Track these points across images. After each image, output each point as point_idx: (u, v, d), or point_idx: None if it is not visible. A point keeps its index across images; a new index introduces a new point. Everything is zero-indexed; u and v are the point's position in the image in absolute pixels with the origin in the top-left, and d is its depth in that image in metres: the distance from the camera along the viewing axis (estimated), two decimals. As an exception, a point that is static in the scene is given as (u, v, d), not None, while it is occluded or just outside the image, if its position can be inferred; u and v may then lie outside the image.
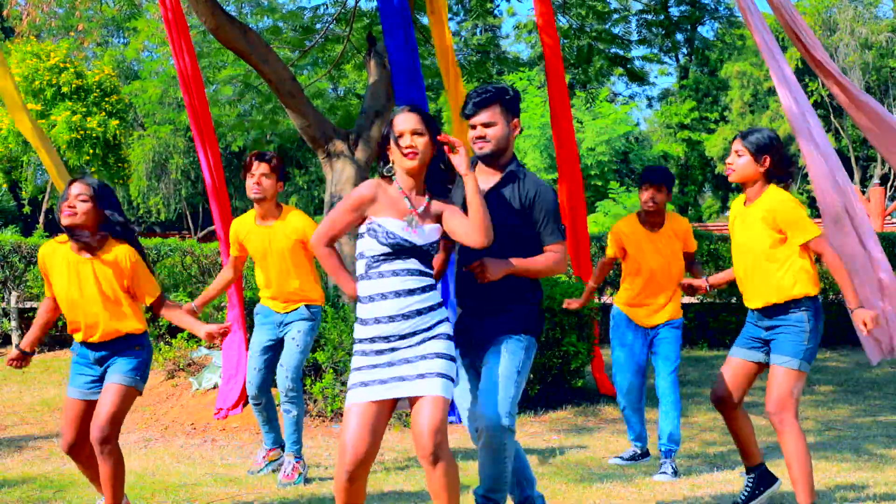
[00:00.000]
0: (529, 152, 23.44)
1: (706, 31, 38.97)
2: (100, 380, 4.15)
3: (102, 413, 4.00)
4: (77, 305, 4.05)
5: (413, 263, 3.36)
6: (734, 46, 34.99)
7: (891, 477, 5.01)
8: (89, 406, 4.16)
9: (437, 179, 3.46)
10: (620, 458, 5.65)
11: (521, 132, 3.73)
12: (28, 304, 11.45)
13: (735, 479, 5.06)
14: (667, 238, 5.39)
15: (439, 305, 3.42)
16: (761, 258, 4.07)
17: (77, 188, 4.01)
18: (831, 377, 8.96)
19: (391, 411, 3.39)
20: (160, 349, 8.19)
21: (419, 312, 3.34)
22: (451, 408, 6.99)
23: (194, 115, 7.13)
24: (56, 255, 4.09)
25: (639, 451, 5.63)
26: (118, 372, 4.06)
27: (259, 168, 5.21)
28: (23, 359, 4.26)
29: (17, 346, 4.35)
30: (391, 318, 3.31)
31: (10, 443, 6.57)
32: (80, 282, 4.03)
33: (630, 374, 5.45)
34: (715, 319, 11.31)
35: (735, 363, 4.23)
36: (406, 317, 3.32)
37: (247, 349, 7.13)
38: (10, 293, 11.40)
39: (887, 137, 5.89)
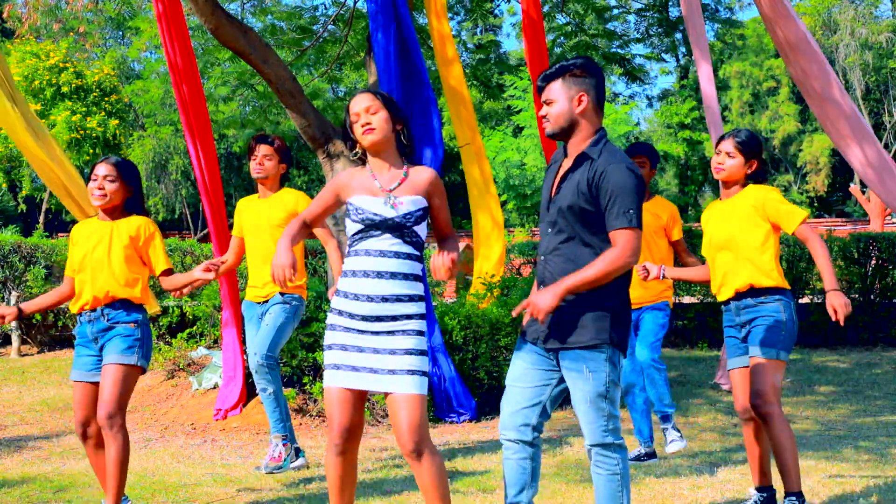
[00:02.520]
0: (530, 152, 23.43)
1: (706, 30, 39.02)
2: (99, 359, 4.21)
3: (105, 395, 4.09)
4: (87, 264, 4.18)
5: (387, 242, 3.35)
6: (734, 46, 35.02)
7: (891, 477, 5.01)
8: (94, 387, 4.23)
9: (402, 151, 3.51)
10: (631, 457, 5.63)
11: (586, 106, 3.35)
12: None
13: (735, 479, 5.05)
14: (647, 214, 5.49)
15: (419, 298, 3.39)
16: (745, 247, 4.18)
17: (104, 169, 4.20)
18: (831, 377, 8.96)
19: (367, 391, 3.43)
20: (160, 349, 8.19)
21: (384, 299, 3.32)
22: (456, 408, 7.00)
23: (185, 109, 7.00)
24: (83, 227, 4.32)
25: (643, 452, 5.63)
26: (114, 352, 4.12)
27: (261, 150, 5.43)
28: (16, 316, 4.22)
29: (16, 304, 4.38)
30: (356, 297, 3.35)
31: (10, 443, 6.57)
32: (96, 243, 4.20)
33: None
34: (715, 319, 11.31)
35: (737, 375, 4.30)
36: (370, 298, 3.32)
37: (241, 349, 7.13)
38: (10, 293, 11.41)
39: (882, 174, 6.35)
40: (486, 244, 8.11)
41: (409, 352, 3.33)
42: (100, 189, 4.18)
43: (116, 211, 4.27)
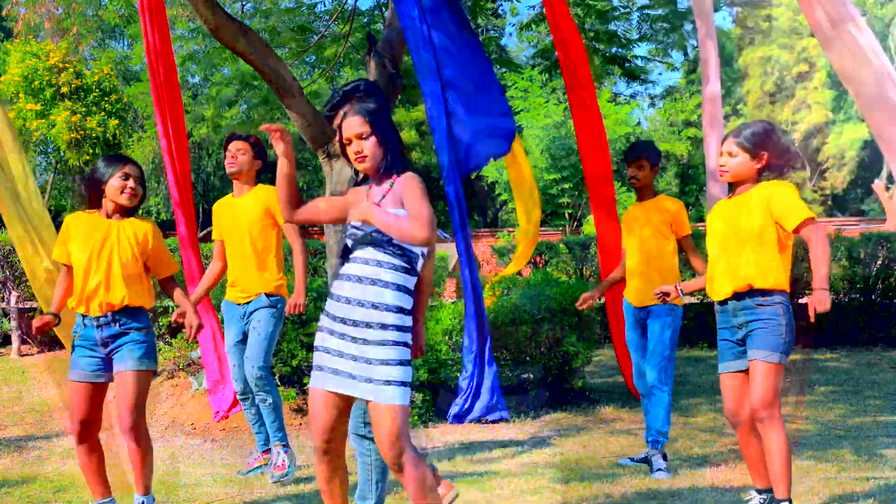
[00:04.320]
0: (532, 152, 23.43)
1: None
2: (105, 361, 4.19)
3: (125, 404, 4.10)
4: (91, 266, 4.15)
5: (370, 252, 3.33)
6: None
7: (890, 477, 5.01)
8: (95, 388, 4.21)
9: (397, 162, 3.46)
10: (631, 459, 5.60)
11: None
12: (28, 304, 11.45)
13: (735, 479, 5.06)
14: (653, 211, 5.41)
15: (399, 310, 3.29)
16: (746, 242, 3.99)
17: (135, 170, 4.29)
18: (831, 377, 8.96)
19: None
20: (160, 349, 8.20)
21: (361, 304, 3.28)
22: (497, 405, 6.85)
23: (158, 91, 6.80)
24: (82, 220, 4.27)
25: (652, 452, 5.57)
26: (130, 359, 4.14)
27: (234, 145, 5.50)
28: (56, 323, 4.28)
29: (50, 311, 4.35)
30: (338, 298, 3.33)
31: (10, 443, 6.58)
32: (102, 244, 4.18)
33: (635, 356, 5.53)
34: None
35: (728, 379, 4.18)
36: (349, 301, 3.30)
37: (217, 354, 7.04)
38: (10, 293, 11.41)
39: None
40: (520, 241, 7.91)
41: (385, 362, 3.25)
42: (132, 188, 4.26)
43: (123, 211, 4.31)
